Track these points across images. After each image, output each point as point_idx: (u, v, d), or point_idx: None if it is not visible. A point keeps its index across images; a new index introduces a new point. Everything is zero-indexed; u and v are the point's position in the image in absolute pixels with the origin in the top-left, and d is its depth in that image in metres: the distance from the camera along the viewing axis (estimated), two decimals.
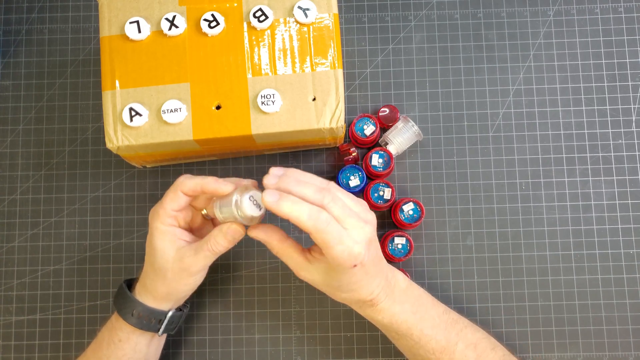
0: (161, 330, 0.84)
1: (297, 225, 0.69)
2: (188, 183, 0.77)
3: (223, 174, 0.96)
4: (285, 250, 0.79)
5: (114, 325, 0.83)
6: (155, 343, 0.87)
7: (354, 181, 0.93)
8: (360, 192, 0.94)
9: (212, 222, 0.87)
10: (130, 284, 0.86)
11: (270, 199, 0.70)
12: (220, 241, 0.78)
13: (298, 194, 0.71)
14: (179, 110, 0.82)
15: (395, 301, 0.80)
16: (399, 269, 0.91)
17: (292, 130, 0.83)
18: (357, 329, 0.94)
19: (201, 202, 0.83)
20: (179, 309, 0.86)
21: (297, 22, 0.85)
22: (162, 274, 0.80)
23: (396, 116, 0.96)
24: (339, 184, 0.92)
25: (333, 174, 0.97)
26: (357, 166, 0.93)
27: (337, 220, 0.72)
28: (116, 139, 0.82)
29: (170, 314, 0.84)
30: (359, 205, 0.76)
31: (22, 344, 0.95)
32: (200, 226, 0.85)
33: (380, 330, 0.84)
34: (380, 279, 0.79)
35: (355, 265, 0.73)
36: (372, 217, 0.76)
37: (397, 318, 0.80)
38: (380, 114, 0.96)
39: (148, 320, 0.82)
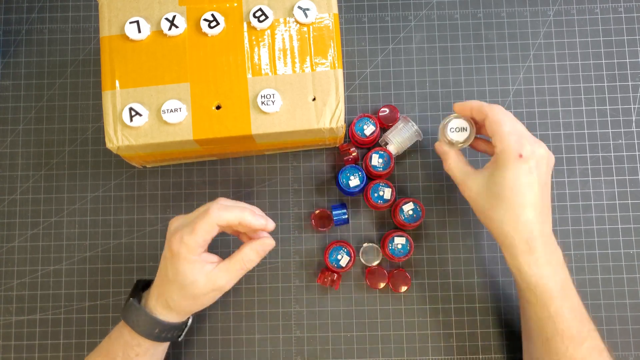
0: (182, 337, 0.87)
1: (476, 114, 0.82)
2: (225, 216, 0.78)
3: (223, 174, 0.97)
4: (459, 162, 0.85)
5: (129, 341, 0.82)
6: (167, 344, 0.88)
7: (354, 181, 0.93)
8: (360, 192, 0.94)
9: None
10: (137, 294, 0.85)
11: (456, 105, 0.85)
12: (252, 257, 0.82)
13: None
14: (179, 110, 0.82)
15: (551, 262, 0.78)
16: (400, 269, 0.92)
17: (292, 130, 0.83)
18: (357, 329, 0.94)
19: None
20: None
21: (297, 22, 0.85)
22: (193, 298, 0.80)
23: (396, 116, 0.96)
24: (338, 185, 0.92)
25: (333, 174, 0.97)
26: (357, 166, 0.93)
27: (516, 120, 0.81)
28: (116, 139, 0.82)
29: (190, 322, 0.87)
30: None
31: (22, 344, 0.94)
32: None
33: (517, 289, 0.85)
34: (543, 221, 0.78)
35: (521, 156, 0.76)
36: (550, 154, 0.80)
37: (546, 281, 0.77)
38: (380, 114, 0.96)
39: (171, 334, 0.84)
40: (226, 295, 0.92)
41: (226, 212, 0.78)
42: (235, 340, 0.94)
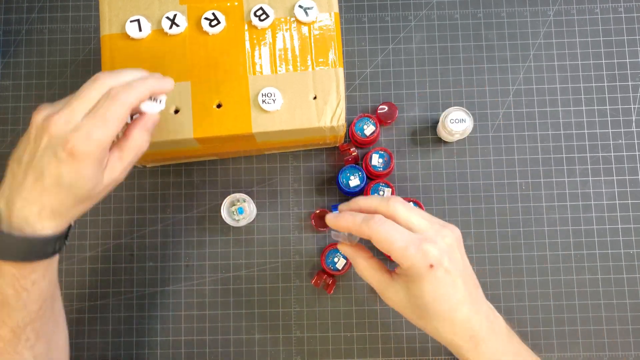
0: (68, 241, 0.72)
1: (361, 236, 0.72)
2: (135, 94, 0.66)
3: (223, 174, 0.97)
4: (371, 267, 0.75)
5: (16, 275, 0.67)
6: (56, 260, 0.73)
7: (354, 181, 0.93)
8: (360, 192, 0.94)
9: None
10: None
11: (329, 217, 0.74)
12: (146, 138, 0.70)
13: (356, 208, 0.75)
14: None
15: (498, 347, 0.73)
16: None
17: (292, 129, 0.83)
18: (357, 329, 0.94)
19: None
20: None
21: (298, 21, 0.85)
22: (89, 198, 0.68)
23: (395, 113, 0.96)
24: (338, 184, 0.92)
25: (333, 174, 0.97)
26: (357, 166, 0.93)
27: (403, 223, 0.71)
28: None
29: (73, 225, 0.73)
30: (438, 219, 0.74)
31: None
32: None
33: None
34: (479, 308, 0.72)
35: (432, 266, 0.67)
36: (454, 229, 0.73)
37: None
38: (378, 111, 0.96)
39: (59, 245, 0.70)
40: (226, 295, 0.93)
41: (134, 90, 0.66)
42: (235, 340, 0.94)
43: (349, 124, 0.95)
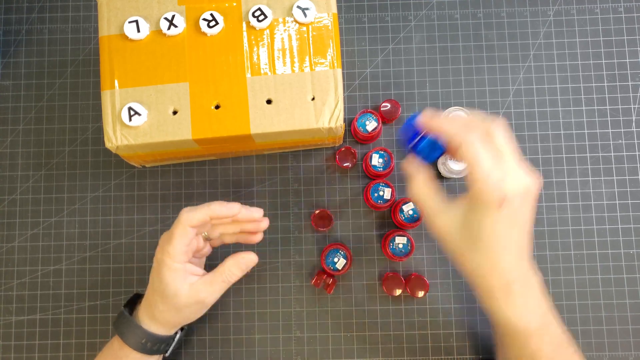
0: (169, 352, 0.87)
1: (450, 139, 0.70)
2: (194, 216, 0.78)
3: (223, 174, 0.97)
4: (428, 189, 0.74)
5: (117, 352, 0.82)
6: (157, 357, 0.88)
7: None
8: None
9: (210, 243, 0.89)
10: (131, 307, 0.86)
11: (424, 115, 0.73)
12: (234, 271, 0.83)
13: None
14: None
15: (527, 301, 0.72)
16: (415, 274, 0.92)
17: (291, 130, 0.83)
18: (357, 329, 0.94)
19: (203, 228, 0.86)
20: (181, 328, 0.88)
21: (296, 21, 0.85)
22: (176, 309, 0.80)
23: (398, 111, 0.96)
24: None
25: (333, 174, 0.97)
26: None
27: (496, 148, 0.68)
28: (115, 138, 0.82)
29: (178, 337, 0.87)
30: (527, 164, 0.71)
31: (22, 344, 0.95)
32: (200, 247, 0.86)
33: (494, 329, 0.81)
34: (523, 262, 0.71)
35: (501, 205, 0.67)
36: (537, 178, 0.70)
37: (524, 321, 0.72)
38: (381, 109, 0.96)
39: (158, 347, 0.83)
40: (226, 295, 0.93)
41: (194, 212, 0.78)
42: (235, 340, 0.94)
43: (351, 120, 0.95)
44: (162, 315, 0.81)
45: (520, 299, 0.71)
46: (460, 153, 0.68)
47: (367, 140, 0.96)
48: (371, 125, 0.94)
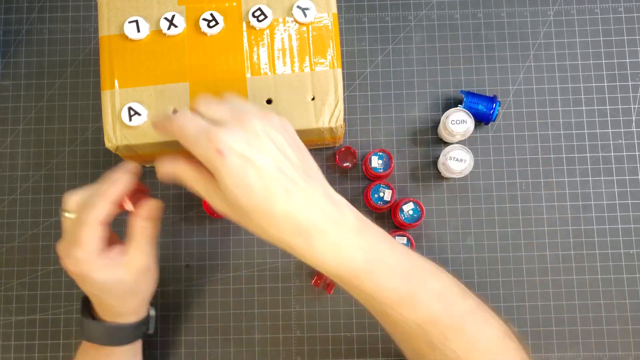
0: (151, 329, 0.87)
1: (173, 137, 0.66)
2: (99, 212, 0.70)
3: None
4: (194, 171, 0.66)
5: (95, 356, 0.81)
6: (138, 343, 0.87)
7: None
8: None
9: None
10: (89, 311, 0.82)
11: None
12: (147, 224, 0.75)
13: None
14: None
15: (343, 238, 0.64)
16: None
17: None
18: (357, 329, 0.94)
19: None
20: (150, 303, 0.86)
21: (296, 21, 0.85)
22: (130, 293, 0.77)
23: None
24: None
25: (333, 174, 0.97)
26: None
27: (205, 115, 0.65)
28: (115, 138, 0.82)
29: (152, 313, 0.86)
30: (253, 107, 0.67)
31: (22, 344, 0.95)
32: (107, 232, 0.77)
33: (330, 279, 0.74)
34: (307, 200, 0.63)
35: (220, 152, 0.60)
36: (270, 116, 0.66)
37: (345, 260, 0.64)
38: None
39: (138, 332, 0.83)
40: (226, 295, 0.93)
41: (96, 210, 0.70)
42: (235, 340, 0.94)
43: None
44: (124, 307, 0.78)
45: (326, 239, 0.63)
46: (180, 142, 0.65)
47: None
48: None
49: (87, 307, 0.82)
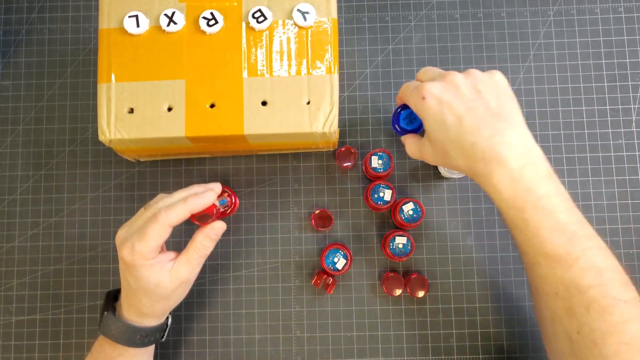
0: (164, 337, 0.88)
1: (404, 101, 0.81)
2: (174, 216, 0.76)
3: (223, 174, 0.97)
4: (413, 138, 0.83)
5: (110, 353, 0.82)
6: (152, 347, 0.88)
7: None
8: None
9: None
10: (111, 305, 0.84)
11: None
12: (207, 244, 0.81)
13: None
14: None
15: (526, 173, 0.69)
16: (415, 274, 0.91)
17: (284, 133, 0.83)
18: (357, 329, 0.94)
19: None
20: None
21: (295, 24, 0.85)
22: (164, 298, 0.80)
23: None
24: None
25: (333, 174, 0.97)
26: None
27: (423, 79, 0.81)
28: (109, 131, 0.83)
29: (169, 321, 0.88)
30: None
31: (22, 344, 0.95)
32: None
33: (499, 209, 0.74)
34: (494, 134, 0.69)
35: (423, 98, 0.74)
36: (476, 73, 0.76)
37: (524, 191, 0.69)
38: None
39: (154, 337, 0.84)
40: (226, 295, 0.93)
41: (173, 212, 0.76)
42: (235, 340, 0.94)
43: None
44: (151, 309, 0.80)
45: (507, 169, 0.69)
46: (407, 102, 0.79)
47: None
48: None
49: (110, 303, 0.84)
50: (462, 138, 0.71)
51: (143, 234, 0.75)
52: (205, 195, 0.79)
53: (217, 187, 0.84)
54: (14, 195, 0.97)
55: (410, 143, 0.83)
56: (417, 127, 0.86)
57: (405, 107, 0.86)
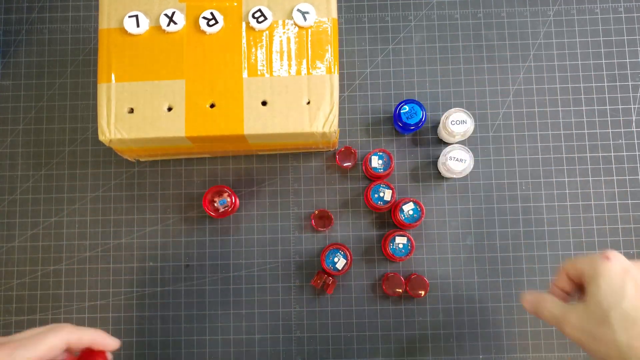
0: None
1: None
2: (80, 332, 0.65)
3: (223, 174, 0.97)
4: (552, 299, 0.73)
5: None
6: None
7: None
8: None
9: None
10: None
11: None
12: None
13: None
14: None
15: None
16: (415, 274, 0.91)
17: (284, 133, 0.83)
18: (357, 329, 0.94)
19: None
20: None
21: (295, 24, 0.85)
22: None
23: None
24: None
25: (333, 174, 0.97)
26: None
27: None
28: (109, 131, 0.83)
29: None
30: None
31: None
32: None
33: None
34: None
35: (607, 258, 0.67)
36: None
37: None
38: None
39: None
40: (226, 295, 0.93)
41: (80, 330, 0.65)
42: (235, 340, 0.94)
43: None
44: None
45: None
46: (566, 270, 0.72)
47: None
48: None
49: None
50: (637, 314, 0.64)
51: (34, 339, 0.62)
52: (112, 339, 0.68)
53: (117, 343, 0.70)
54: (14, 195, 0.97)
55: (552, 301, 0.73)
56: (418, 122, 0.86)
57: (405, 102, 0.86)
